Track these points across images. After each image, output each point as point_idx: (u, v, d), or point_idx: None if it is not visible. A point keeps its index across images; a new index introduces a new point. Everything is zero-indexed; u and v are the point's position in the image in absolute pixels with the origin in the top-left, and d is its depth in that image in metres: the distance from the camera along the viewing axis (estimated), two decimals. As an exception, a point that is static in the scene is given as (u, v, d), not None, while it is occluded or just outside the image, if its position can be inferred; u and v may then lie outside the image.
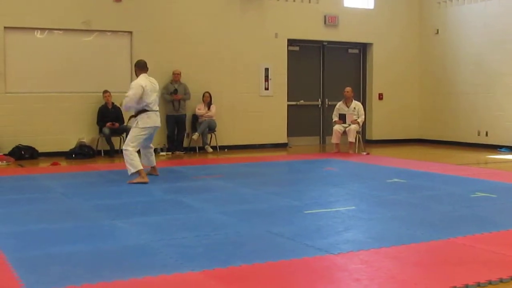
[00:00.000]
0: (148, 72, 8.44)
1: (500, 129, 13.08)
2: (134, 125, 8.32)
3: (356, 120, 12.18)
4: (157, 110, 8.41)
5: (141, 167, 8.08)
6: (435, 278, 3.86)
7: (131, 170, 8.01)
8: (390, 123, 14.97)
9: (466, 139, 13.82)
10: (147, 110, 8.24)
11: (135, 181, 7.96)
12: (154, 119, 8.31)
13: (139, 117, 8.26)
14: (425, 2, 14.99)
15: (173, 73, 12.19)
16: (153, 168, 8.70)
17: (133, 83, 8.33)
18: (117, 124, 11.55)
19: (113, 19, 11.91)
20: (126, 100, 8.20)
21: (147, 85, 8.21)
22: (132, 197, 6.95)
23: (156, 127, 8.43)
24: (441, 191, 7.41)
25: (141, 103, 8.18)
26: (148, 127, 8.28)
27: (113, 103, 11.63)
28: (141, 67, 8.42)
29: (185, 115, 12.37)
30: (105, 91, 11.64)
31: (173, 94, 12.04)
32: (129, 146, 8.10)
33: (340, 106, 12.51)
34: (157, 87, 8.57)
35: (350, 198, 7.02)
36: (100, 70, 11.88)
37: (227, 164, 10.45)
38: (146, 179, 8.02)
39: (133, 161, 8.02)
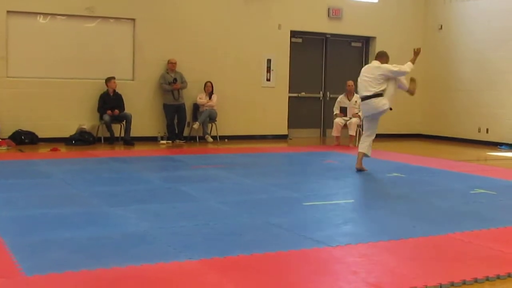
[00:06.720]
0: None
1: (501, 126, 13.07)
2: None
3: (357, 113, 12.17)
4: (366, 97, 8.29)
5: (361, 151, 8.35)
6: (432, 273, 3.87)
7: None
8: (391, 117, 14.81)
9: (466, 135, 13.81)
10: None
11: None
12: (364, 107, 8.42)
13: None
14: (429, -3, 14.93)
15: (169, 62, 12.09)
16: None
17: None
18: (117, 111, 11.52)
19: (116, 6, 11.85)
20: None
21: (362, 72, 8.56)
22: (132, 185, 6.95)
23: (369, 114, 8.37)
24: (440, 187, 7.42)
25: None
26: (364, 115, 8.69)
27: (114, 90, 11.59)
28: (377, 56, 8.94)
29: (184, 104, 12.34)
30: (111, 78, 11.52)
31: (173, 83, 12.01)
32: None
33: (341, 99, 12.51)
34: (369, 73, 8.61)
35: (350, 191, 7.03)
36: (102, 57, 11.83)
37: (227, 154, 10.44)
38: (358, 166, 8.32)
39: (362, 143, 8.45)
